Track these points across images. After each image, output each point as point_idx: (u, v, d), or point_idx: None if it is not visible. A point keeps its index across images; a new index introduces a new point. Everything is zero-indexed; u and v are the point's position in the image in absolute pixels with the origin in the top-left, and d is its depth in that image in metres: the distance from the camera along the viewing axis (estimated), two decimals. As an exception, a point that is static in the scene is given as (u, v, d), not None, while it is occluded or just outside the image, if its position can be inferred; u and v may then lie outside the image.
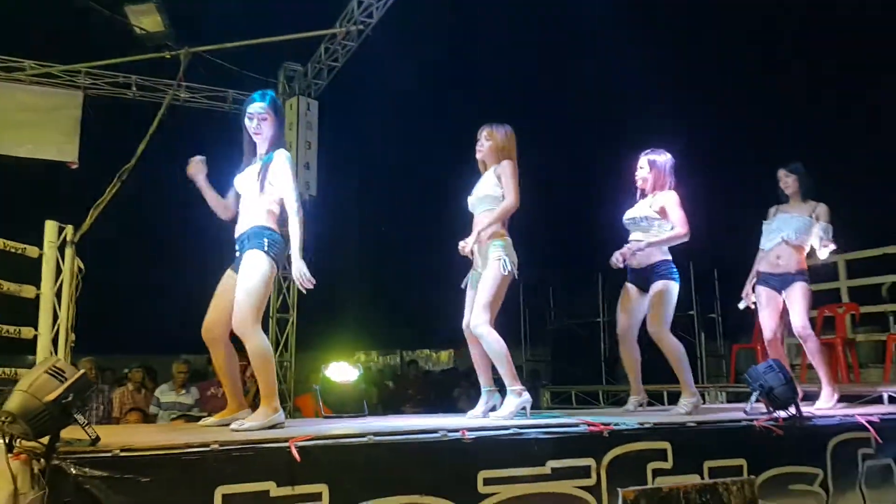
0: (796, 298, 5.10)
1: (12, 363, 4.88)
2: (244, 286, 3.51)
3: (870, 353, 8.20)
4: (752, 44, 11.34)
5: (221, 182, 4.03)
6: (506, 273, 4.12)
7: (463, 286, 4.42)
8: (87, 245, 5.21)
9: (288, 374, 10.01)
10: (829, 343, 7.18)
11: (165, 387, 7.68)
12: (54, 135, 9.24)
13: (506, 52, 11.65)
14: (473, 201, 4.38)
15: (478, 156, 4.46)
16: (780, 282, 5.20)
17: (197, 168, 3.94)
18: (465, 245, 4.25)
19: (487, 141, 4.39)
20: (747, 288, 5.43)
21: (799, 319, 5.07)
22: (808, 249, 5.23)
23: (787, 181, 5.35)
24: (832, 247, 5.13)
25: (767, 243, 5.32)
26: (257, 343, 3.49)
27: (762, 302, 5.29)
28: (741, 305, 5.52)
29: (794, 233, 5.17)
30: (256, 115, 3.79)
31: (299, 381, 10.04)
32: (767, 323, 5.26)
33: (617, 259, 4.81)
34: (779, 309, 5.23)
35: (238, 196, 3.88)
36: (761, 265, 5.33)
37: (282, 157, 3.74)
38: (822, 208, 5.22)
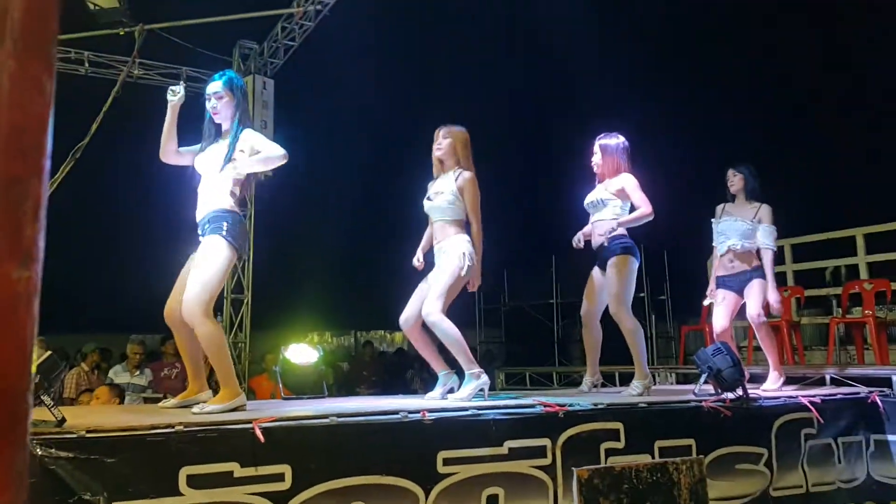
0: (754, 292, 5.24)
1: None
2: (199, 275, 3.46)
3: (814, 336, 8.45)
4: (708, 31, 11.52)
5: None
6: (463, 273, 4.16)
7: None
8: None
9: (242, 354, 9.96)
10: (774, 326, 7.37)
11: (119, 367, 7.59)
12: (2, 111, 8.98)
13: (463, 35, 11.65)
14: (430, 207, 4.37)
15: (436, 154, 4.44)
16: (737, 282, 5.33)
17: (180, 98, 3.85)
18: (421, 262, 4.45)
19: (446, 139, 4.39)
20: (711, 285, 5.53)
21: (754, 308, 5.21)
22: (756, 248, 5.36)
23: (734, 180, 5.49)
24: (772, 249, 5.31)
25: (719, 246, 5.45)
26: (208, 331, 3.43)
27: (718, 299, 5.41)
28: (705, 303, 5.65)
29: (740, 240, 5.31)
30: (213, 95, 3.79)
31: (253, 362, 10.00)
32: (719, 318, 5.36)
33: (578, 240, 4.94)
34: (734, 308, 5.36)
35: (195, 173, 3.82)
36: (718, 270, 5.44)
37: (250, 132, 3.76)
38: (764, 210, 5.35)
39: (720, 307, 5.38)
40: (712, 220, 5.57)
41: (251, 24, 9.60)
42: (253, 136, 3.74)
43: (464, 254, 4.17)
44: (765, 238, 5.30)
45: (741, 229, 5.33)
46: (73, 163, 5.91)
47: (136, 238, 10.96)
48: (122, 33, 7.24)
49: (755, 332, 5.40)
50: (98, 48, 9.36)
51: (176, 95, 3.80)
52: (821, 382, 5.88)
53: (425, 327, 4.21)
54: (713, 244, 5.56)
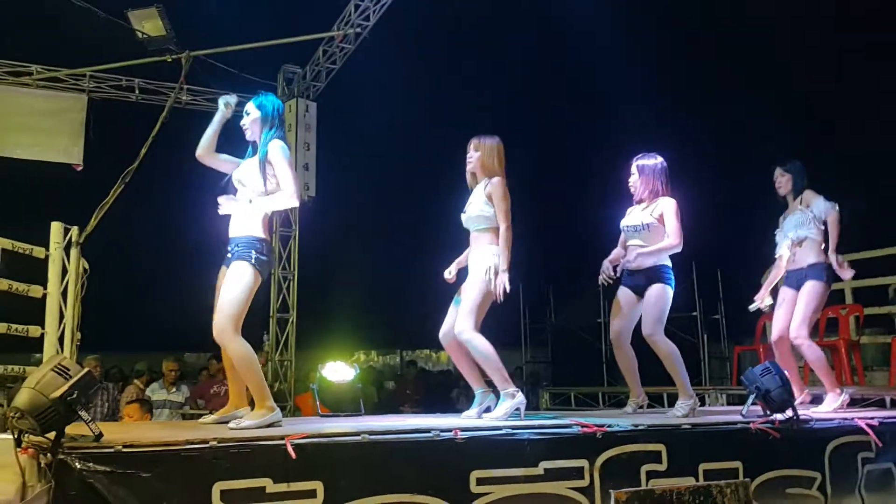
0: (802, 300, 5.05)
1: (20, 361, 5.03)
2: (227, 296, 3.55)
3: (876, 356, 8.07)
4: (753, 43, 11.34)
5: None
6: (491, 286, 4.12)
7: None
8: (92, 245, 5.29)
9: (288, 373, 10.08)
10: (832, 345, 7.12)
11: (156, 385, 7.78)
12: (60, 138, 9.48)
13: (502, 55, 11.71)
14: (466, 219, 4.39)
15: (468, 167, 4.45)
16: (796, 279, 5.19)
17: (230, 109, 3.97)
18: (452, 275, 4.43)
19: (476, 152, 4.39)
20: (762, 292, 5.39)
21: (795, 324, 5.01)
22: (819, 239, 5.15)
23: (781, 181, 5.33)
24: (834, 211, 5.11)
25: (780, 249, 5.32)
26: (237, 349, 3.53)
27: (779, 300, 5.28)
28: (752, 308, 5.48)
29: (794, 229, 5.17)
30: (244, 112, 3.93)
31: (299, 381, 10.08)
32: (778, 322, 5.21)
33: (606, 269, 4.84)
34: (794, 310, 5.15)
35: (230, 184, 3.90)
36: (788, 266, 5.28)
37: (275, 147, 3.77)
38: (807, 194, 5.22)
39: (780, 310, 5.22)
40: (776, 231, 5.43)
41: (294, 49, 9.83)
42: (276, 155, 3.75)
43: (489, 267, 4.14)
44: (823, 210, 5.13)
45: (795, 220, 5.21)
46: (124, 186, 6.07)
47: (186, 260, 11.23)
48: (169, 60, 7.47)
49: (802, 355, 5.18)
50: (148, 75, 9.69)
51: (226, 106, 3.94)
52: (880, 404, 5.67)
53: None
54: (776, 254, 5.40)
